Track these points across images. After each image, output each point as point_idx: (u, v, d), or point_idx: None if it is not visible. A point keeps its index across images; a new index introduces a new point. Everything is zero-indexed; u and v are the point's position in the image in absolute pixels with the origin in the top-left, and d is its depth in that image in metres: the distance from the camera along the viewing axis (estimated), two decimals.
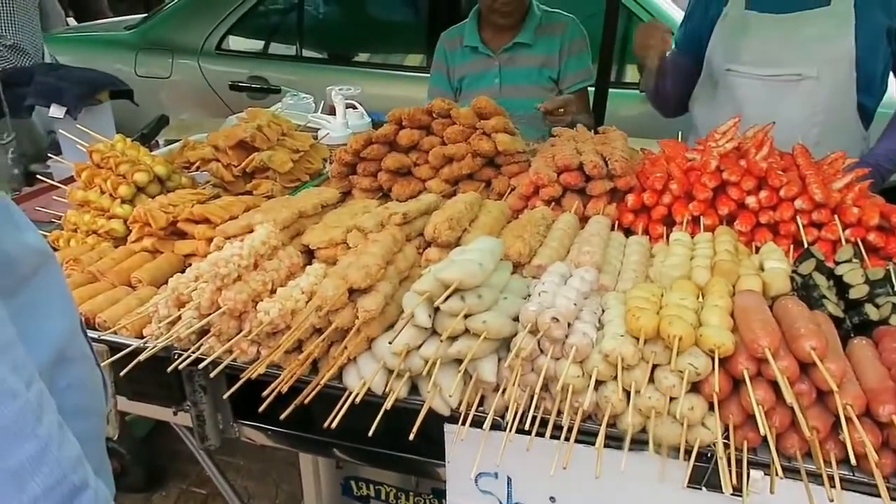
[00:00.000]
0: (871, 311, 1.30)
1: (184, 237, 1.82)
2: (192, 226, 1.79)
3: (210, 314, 1.35)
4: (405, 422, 1.20)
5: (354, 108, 2.55)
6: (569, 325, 1.18)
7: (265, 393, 1.22)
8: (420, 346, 1.22)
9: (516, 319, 1.23)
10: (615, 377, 1.15)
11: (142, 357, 1.33)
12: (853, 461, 1.01)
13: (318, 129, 2.45)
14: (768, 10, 2.27)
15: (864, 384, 1.08)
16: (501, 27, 2.86)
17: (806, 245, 1.57)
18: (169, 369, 1.31)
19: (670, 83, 2.51)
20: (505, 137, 1.92)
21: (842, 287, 1.40)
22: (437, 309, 1.22)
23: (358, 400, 1.20)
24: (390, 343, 1.19)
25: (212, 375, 1.28)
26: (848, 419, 1.02)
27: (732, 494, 1.09)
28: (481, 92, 2.30)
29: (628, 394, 1.15)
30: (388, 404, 1.18)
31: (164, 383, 1.56)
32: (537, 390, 1.14)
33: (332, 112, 2.65)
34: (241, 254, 1.37)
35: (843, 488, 1.04)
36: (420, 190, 2.00)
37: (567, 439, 1.11)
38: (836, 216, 1.66)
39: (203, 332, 1.41)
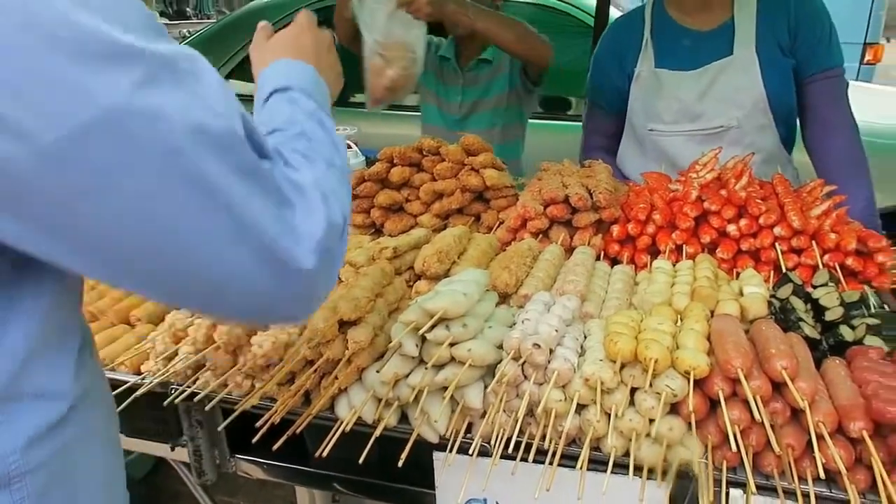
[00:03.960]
0: (846, 332, 1.34)
1: None
2: None
3: (205, 349, 1.39)
4: (397, 451, 1.23)
5: (349, 147, 2.62)
6: (551, 351, 1.22)
7: (258, 424, 1.25)
8: (408, 375, 1.26)
9: (501, 347, 1.28)
10: (596, 400, 1.18)
11: (139, 392, 1.37)
12: (821, 476, 1.04)
13: None
14: (677, 67, 2.32)
15: (836, 402, 1.11)
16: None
17: (784, 270, 1.61)
18: (165, 403, 1.34)
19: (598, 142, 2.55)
20: (493, 173, 1.99)
21: (818, 310, 1.44)
22: (424, 338, 1.26)
23: (348, 428, 1.24)
24: (378, 372, 1.23)
25: (207, 409, 1.32)
26: (820, 436, 1.05)
27: None
28: None
29: (610, 416, 1.19)
30: (377, 432, 1.21)
31: (162, 419, 1.60)
32: (521, 415, 1.17)
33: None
34: None
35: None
36: (412, 225, 2.06)
37: (551, 463, 1.14)
38: (814, 242, 1.70)
39: (199, 367, 1.46)
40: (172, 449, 1.62)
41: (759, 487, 1.11)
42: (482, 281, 1.37)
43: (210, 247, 0.68)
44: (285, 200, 0.74)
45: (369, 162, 2.61)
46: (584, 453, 1.13)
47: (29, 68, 0.58)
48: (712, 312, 1.40)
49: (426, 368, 1.21)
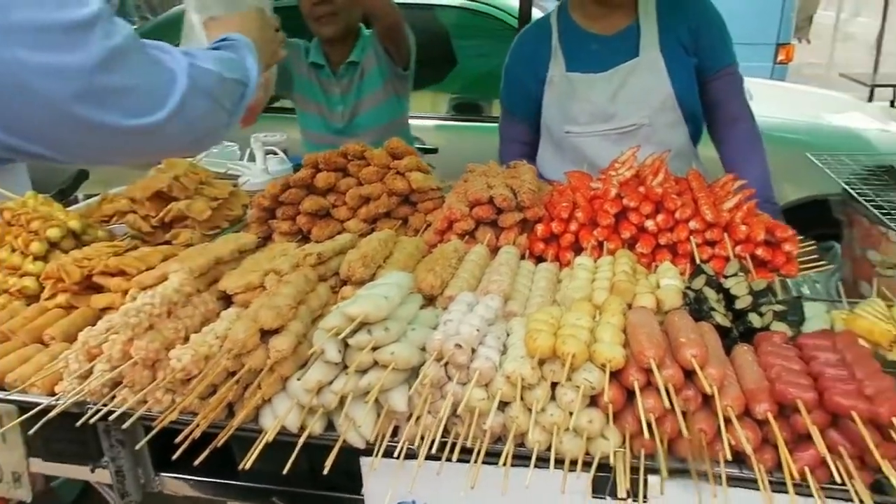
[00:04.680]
0: (755, 320, 1.41)
1: (100, 291, 1.81)
2: (108, 279, 1.78)
3: (121, 365, 1.34)
4: (325, 459, 1.22)
5: (275, 154, 2.58)
6: (473, 350, 1.24)
7: (178, 439, 1.22)
8: (332, 382, 1.25)
9: (425, 349, 1.28)
10: (517, 397, 1.20)
11: (52, 414, 1.32)
12: (729, 457, 1.08)
13: (239, 175, 2.47)
14: (587, 70, 2.41)
15: (744, 386, 1.16)
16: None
17: (698, 262, 1.68)
18: (79, 423, 1.29)
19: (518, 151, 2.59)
20: (418, 176, 2.00)
21: (729, 299, 1.51)
22: (346, 344, 1.25)
23: (271, 438, 1.22)
24: (299, 380, 1.22)
25: (125, 427, 1.28)
26: (728, 420, 1.10)
27: (632, 500, 1.16)
28: None
29: (532, 412, 1.21)
30: (301, 441, 1.20)
31: (80, 440, 1.54)
32: (445, 416, 1.18)
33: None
34: (153, 302, 1.38)
35: (731, 485, 1.11)
36: (339, 231, 2.04)
37: (476, 461, 1.15)
38: (726, 234, 1.78)
39: (116, 385, 1.41)
40: (93, 471, 1.56)
41: (674, 472, 1.15)
42: (405, 284, 1.38)
43: None
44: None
45: (297, 169, 2.59)
46: (507, 449, 1.15)
47: None
48: (630, 306, 1.44)
49: (349, 374, 1.20)
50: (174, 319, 1.42)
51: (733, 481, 1.13)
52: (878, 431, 1.08)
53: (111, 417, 1.30)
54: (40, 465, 1.57)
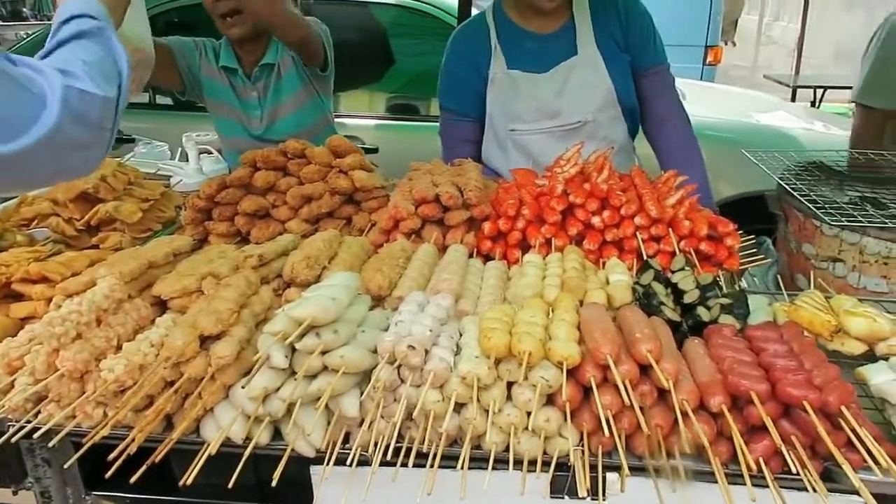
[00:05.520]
0: (703, 313, 1.42)
1: (20, 300, 1.68)
2: (29, 286, 1.65)
3: (46, 378, 1.25)
4: (274, 470, 1.16)
5: (209, 153, 2.48)
6: (426, 351, 1.20)
7: (112, 456, 1.14)
8: (279, 388, 1.19)
9: (376, 352, 1.23)
10: (473, 398, 1.17)
11: None
12: (688, 450, 1.08)
13: (171, 176, 2.36)
14: (528, 69, 2.40)
15: (697, 379, 1.16)
16: None
17: (645, 258, 1.69)
18: (4, 439, 1.19)
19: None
20: (362, 174, 1.94)
21: (677, 293, 1.52)
22: (293, 348, 1.20)
23: (215, 450, 1.15)
24: (243, 388, 1.15)
25: (52, 444, 1.18)
26: (684, 413, 1.09)
27: (591, 498, 1.14)
28: None
29: (488, 413, 1.18)
30: (247, 452, 1.13)
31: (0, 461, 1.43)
32: (399, 420, 1.14)
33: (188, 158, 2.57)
34: (81, 310, 1.29)
35: (689, 479, 1.11)
36: (280, 231, 1.97)
37: (432, 466, 1.12)
38: (670, 230, 1.80)
39: (40, 399, 1.31)
40: (15, 493, 1.45)
41: (632, 469, 1.14)
42: (352, 284, 1.33)
43: None
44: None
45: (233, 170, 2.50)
46: (465, 452, 1.11)
47: None
48: (581, 302, 1.43)
49: (297, 380, 1.15)
50: (104, 328, 1.32)
51: (691, 475, 1.13)
52: (828, 420, 1.10)
53: (36, 435, 1.20)
54: None
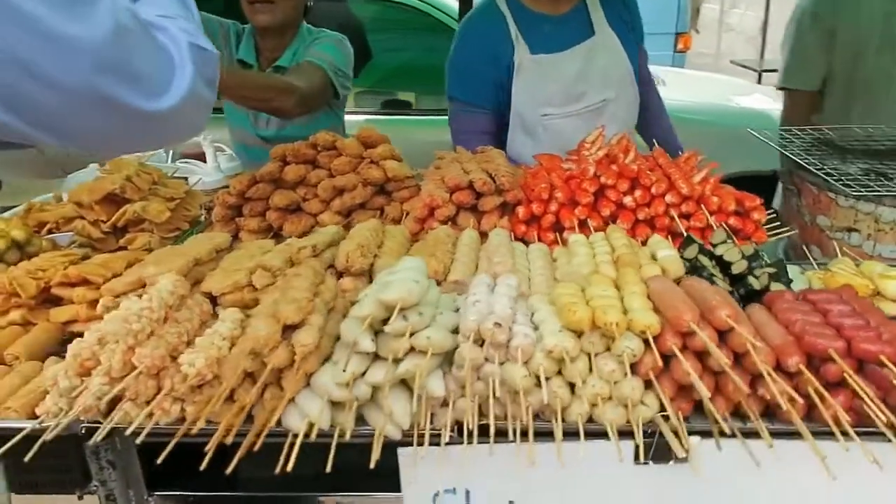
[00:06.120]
0: (754, 282, 1.47)
1: (58, 304, 1.65)
2: (69, 290, 1.63)
3: (124, 376, 1.23)
4: (347, 458, 1.17)
5: (222, 151, 2.46)
6: (509, 329, 1.22)
7: (208, 447, 1.13)
8: (364, 374, 1.20)
9: (453, 332, 1.25)
10: (559, 372, 1.20)
11: (48, 436, 1.19)
12: (788, 408, 1.13)
13: (187, 176, 2.33)
14: (552, 50, 2.44)
15: (770, 342, 1.21)
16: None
17: (684, 234, 1.74)
18: (91, 441, 1.18)
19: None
20: (393, 164, 1.95)
21: (723, 265, 1.57)
22: (376, 333, 1.21)
23: (307, 438, 1.15)
24: (344, 370, 1.16)
25: (138, 441, 1.17)
26: (768, 374, 1.14)
27: (675, 462, 1.18)
28: None
29: (571, 386, 1.21)
30: (347, 436, 1.14)
31: (62, 467, 1.41)
32: (492, 396, 1.16)
33: (182, 159, 2.56)
34: (152, 306, 1.28)
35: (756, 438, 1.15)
36: (312, 225, 1.97)
37: (526, 439, 1.14)
38: (701, 206, 1.85)
39: (111, 400, 1.29)
40: (80, 498, 1.43)
41: (707, 433, 1.18)
42: (423, 269, 1.34)
43: None
44: None
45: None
46: (559, 423, 1.14)
47: None
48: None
49: (388, 363, 1.16)
50: (173, 324, 1.32)
51: (773, 435, 1.17)
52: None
53: (100, 436, 1.19)
54: (21, 500, 1.41)
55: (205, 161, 2.47)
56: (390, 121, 4.68)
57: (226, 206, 1.97)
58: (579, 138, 2.21)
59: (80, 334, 1.33)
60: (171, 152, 2.97)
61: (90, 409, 1.27)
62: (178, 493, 1.50)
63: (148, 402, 1.25)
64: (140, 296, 1.45)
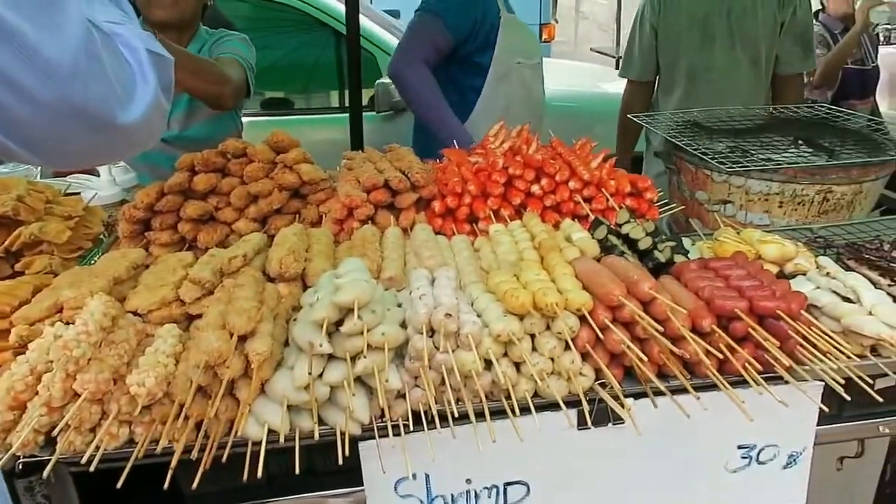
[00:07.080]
0: (659, 256, 1.63)
1: None
2: None
3: (65, 405, 1.18)
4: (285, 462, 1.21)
5: (115, 162, 2.34)
6: (457, 318, 1.29)
7: (173, 465, 1.12)
8: (321, 375, 1.23)
9: (402, 326, 1.31)
10: (505, 354, 1.29)
11: None
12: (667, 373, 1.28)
13: (80, 191, 2.20)
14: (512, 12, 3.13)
15: (685, 307, 1.36)
16: None
17: (590, 216, 1.88)
18: (45, 473, 1.13)
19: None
20: (308, 167, 1.96)
21: (630, 243, 1.72)
22: (329, 334, 1.24)
23: (282, 442, 1.17)
24: (309, 374, 1.18)
25: (92, 469, 1.13)
26: (682, 337, 1.28)
27: (613, 424, 1.31)
28: None
29: (516, 366, 1.31)
30: (316, 436, 1.17)
31: None
32: (446, 383, 1.22)
33: (62, 175, 2.42)
34: (88, 330, 1.23)
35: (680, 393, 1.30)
36: (227, 234, 1.94)
37: (481, 421, 1.22)
38: (601, 189, 2.01)
39: (49, 431, 1.23)
40: None
41: (639, 394, 1.32)
42: (365, 268, 1.38)
43: None
44: None
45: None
46: (513, 401, 1.23)
47: None
48: None
49: (346, 361, 1.20)
50: (110, 345, 1.27)
51: (696, 389, 1.32)
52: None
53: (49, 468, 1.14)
54: None
55: (96, 174, 2.34)
56: (272, 122, 4.59)
57: (133, 220, 1.89)
58: (533, 90, 2.98)
59: None
60: (39, 168, 2.77)
61: (27, 444, 1.21)
62: None
63: (92, 430, 1.22)
64: (64, 321, 1.40)
